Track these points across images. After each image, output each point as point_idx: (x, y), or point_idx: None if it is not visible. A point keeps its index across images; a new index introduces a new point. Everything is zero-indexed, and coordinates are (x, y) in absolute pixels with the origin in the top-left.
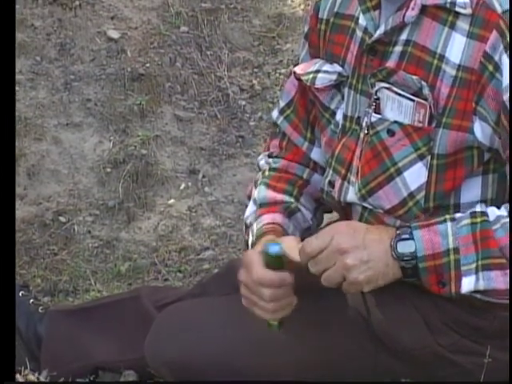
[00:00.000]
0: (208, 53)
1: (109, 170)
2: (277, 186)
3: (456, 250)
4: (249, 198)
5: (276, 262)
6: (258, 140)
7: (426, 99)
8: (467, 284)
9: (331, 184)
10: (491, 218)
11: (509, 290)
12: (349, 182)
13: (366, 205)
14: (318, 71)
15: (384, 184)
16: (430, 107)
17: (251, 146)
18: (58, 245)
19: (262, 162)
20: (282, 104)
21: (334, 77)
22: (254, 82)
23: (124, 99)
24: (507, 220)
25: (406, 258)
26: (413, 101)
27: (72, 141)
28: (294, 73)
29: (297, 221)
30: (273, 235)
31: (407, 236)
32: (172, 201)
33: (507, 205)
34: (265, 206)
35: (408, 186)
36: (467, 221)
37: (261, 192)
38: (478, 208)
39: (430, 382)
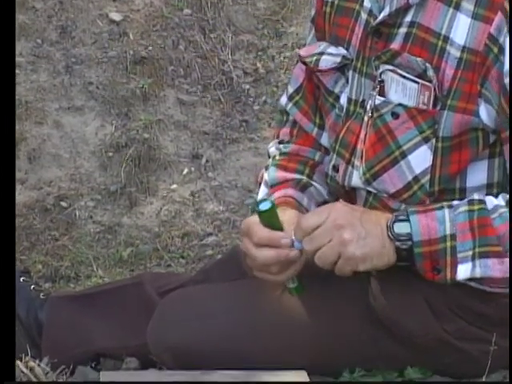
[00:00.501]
0: (211, 36)
1: (111, 154)
2: (288, 166)
3: (453, 237)
4: (259, 184)
5: (270, 217)
6: (262, 124)
7: (430, 81)
8: (463, 271)
9: (335, 168)
10: (489, 206)
11: (509, 281)
12: (353, 166)
13: (370, 189)
14: (321, 53)
15: (388, 167)
16: (434, 89)
17: (255, 131)
18: (60, 230)
19: (272, 149)
20: (290, 90)
21: (338, 59)
22: (258, 65)
23: (126, 82)
24: (505, 210)
25: (401, 238)
26: (417, 83)
27: (73, 125)
28: (299, 56)
29: (311, 194)
30: (285, 206)
31: (404, 217)
32: (175, 186)
33: (504, 195)
34: (276, 185)
35: (413, 169)
36: (465, 207)
37: (271, 173)
38: (476, 196)
39: (428, 382)
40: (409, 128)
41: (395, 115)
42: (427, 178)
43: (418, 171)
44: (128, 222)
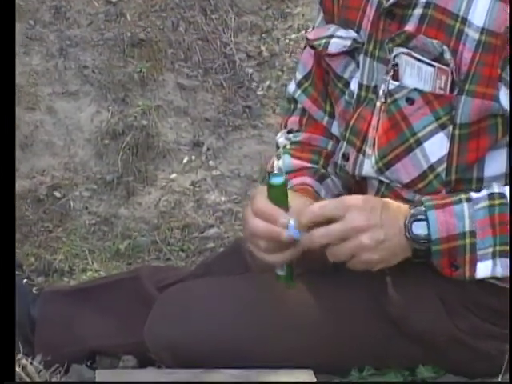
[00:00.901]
0: (213, 17)
1: (107, 141)
2: (302, 156)
3: (472, 234)
4: (269, 174)
5: (278, 193)
6: (266, 110)
7: (447, 65)
8: (483, 269)
9: (345, 157)
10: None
11: (509, 282)
12: (364, 155)
13: (382, 179)
14: (331, 36)
15: (402, 156)
16: (451, 73)
17: (259, 117)
18: (53, 221)
19: (281, 140)
20: (298, 77)
21: (349, 42)
22: (262, 48)
23: (123, 66)
24: None
25: (420, 240)
26: (433, 67)
27: (68, 110)
28: (307, 39)
29: (328, 186)
30: (303, 193)
31: (422, 217)
32: (174, 175)
33: None
34: (292, 172)
35: (428, 157)
36: (485, 203)
37: (286, 160)
38: (497, 189)
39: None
40: (424, 114)
41: (410, 100)
42: (443, 166)
43: (433, 160)
44: (125, 213)
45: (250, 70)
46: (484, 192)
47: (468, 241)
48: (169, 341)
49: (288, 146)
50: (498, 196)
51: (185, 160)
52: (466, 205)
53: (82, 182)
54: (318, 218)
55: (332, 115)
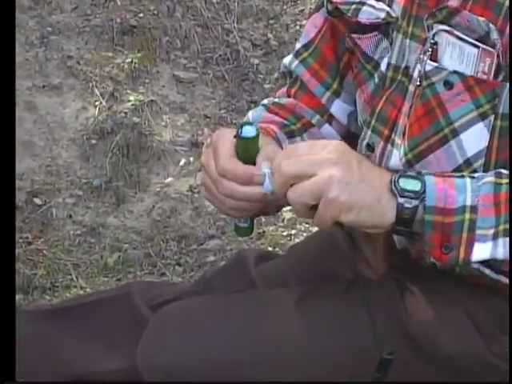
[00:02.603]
0: (214, 0)
1: (94, 141)
2: (278, 113)
3: (473, 209)
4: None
5: (249, 146)
6: None
7: (493, 46)
8: (480, 251)
9: (370, 147)
10: None
11: (509, 281)
12: (392, 145)
13: None
14: (362, 3)
15: (436, 147)
16: (497, 56)
17: None
18: (33, 232)
19: (265, 101)
20: (297, 46)
21: (382, 15)
22: (269, 35)
23: (112, 57)
24: None
25: (407, 195)
26: (477, 48)
27: (49, 106)
28: (329, 1)
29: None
30: (263, 134)
31: (414, 175)
32: (170, 179)
33: None
34: (260, 122)
35: (465, 150)
36: (490, 179)
37: (257, 111)
38: (504, 170)
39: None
40: (464, 101)
41: (448, 85)
42: (481, 162)
43: (470, 154)
44: (114, 222)
45: (256, 61)
46: (490, 171)
47: (467, 216)
48: (164, 366)
49: (266, 103)
50: (506, 176)
51: (182, 162)
52: (468, 179)
53: (65, 187)
54: (296, 157)
55: (337, 93)
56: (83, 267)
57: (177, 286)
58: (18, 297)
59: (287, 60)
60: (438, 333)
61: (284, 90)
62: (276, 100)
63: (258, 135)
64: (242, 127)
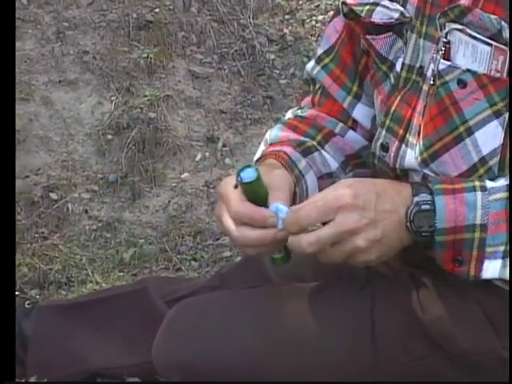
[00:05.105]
0: None
1: (110, 136)
2: (297, 127)
3: (483, 227)
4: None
5: (254, 189)
6: (289, 101)
7: (505, 44)
8: (491, 269)
9: (384, 148)
10: None
11: (509, 281)
12: (407, 145)
13: (427, 171)
14: (376, 3)
15: (451, 146)
16: (510, 54)
17: (281, 109)
18: (49, 227)
19: (287, 115)
20: (319, 51)
21: (396, 15)
22: (286, 31)
23: (128, 51)
24: None
25: (423, 231)
26: (490, 45)
27: (65, 102)
28: (344, 4)
29: (313, 160)
30: (274, 160)
31: (427, 207)
32: (186, 174)
33: None
34: (274, 143)
35: (480, 149)
36: (502, 194)
37: (274, 131)
38: None
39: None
40: (477, 99)
41: (462, 83)
42: (496, 160)
43: (485, 152)
44: (130, 217)
45: (272, 56)
46: (502, 182)
47: (477, 235)
48: (179, 361)
49: (286, 118)
50: None
51: (198, 157)
52: (479, 194)
53: (81, 182)
54: (305, 227)
55: (358, 96)
56: (99, 262)
57: (192, 281)
58: (33, 292)
59: (309, 66)
60: (453, 328)
61: (308, 99)
62: (298, 112)
63: (259, 176)
64: (240, 173)
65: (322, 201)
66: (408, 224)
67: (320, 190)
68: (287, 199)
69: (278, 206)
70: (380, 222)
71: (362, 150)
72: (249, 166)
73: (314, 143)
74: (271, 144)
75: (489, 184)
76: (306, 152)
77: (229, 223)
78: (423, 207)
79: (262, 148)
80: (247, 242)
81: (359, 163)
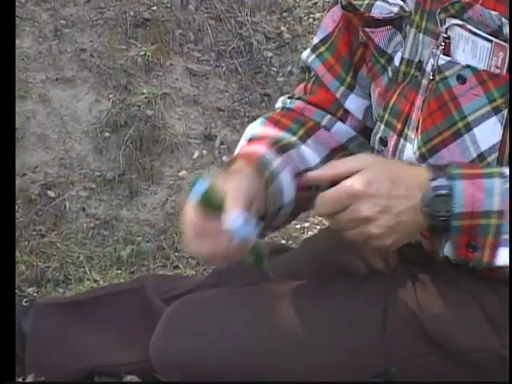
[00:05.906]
0: None
1: (107, 134)
2: (280, 122)
3: (500, 214)
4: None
5: (208, 199)
6: None
7: (506, 40)
8: (505, 256)
9: (383, 142)
10: None
11: (509, 280)
12: (406, 139)
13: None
14: None
15: (449, 141)
16: (510, 50)
17: None
18: (46, 224)
19: (277, 104)
20: (315, 40)
21: (395, 9)
22: (283, 28)
23: (126, 49)
24: None
25: (440, 216)
26: (490, 42)
27: (63, 99)
28: None
29: (290, 158)
30: (243, 162)
31: (445, 191)
32: (183, 172)
33: None
34: (252, 140)
35: (478, 144)
36: None
37: (255, 126)
38: None
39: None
40: (477, 95)
41: (461, 79)
42: (494, 156)
43: (484, 148)
44: (128, 215)
45: (269, 54)
46: None
47: (493, 221)
48: (177, 359)
49: (271, 113)
50: None
51: (195, 155)
52: (498, 180)
53: (78, 180)
54: (327, 211)
55: (351, 87)
56: (96, 260)
57: (190, 279)
58: (31, 289)
59: (305, 54)
60: (452, 326)
61: (302, 86)
62: (287, 103)
63: (210, 187)
64: (192, 186)
65: (338, 186)
66: (424, 208)
67: (300, 186)
68: (243, 205)
69: (232, 215)
70: (393, 208)
71: (349, 142)
72: (201, 178)
73: (294, 138)
74: (250, 140)
75: (506, 171)
76: (283, 150)
77: (187, 237)
78: (440, 192)
79: (241, 144)
80: (202, 254)
81: (346, 155)
